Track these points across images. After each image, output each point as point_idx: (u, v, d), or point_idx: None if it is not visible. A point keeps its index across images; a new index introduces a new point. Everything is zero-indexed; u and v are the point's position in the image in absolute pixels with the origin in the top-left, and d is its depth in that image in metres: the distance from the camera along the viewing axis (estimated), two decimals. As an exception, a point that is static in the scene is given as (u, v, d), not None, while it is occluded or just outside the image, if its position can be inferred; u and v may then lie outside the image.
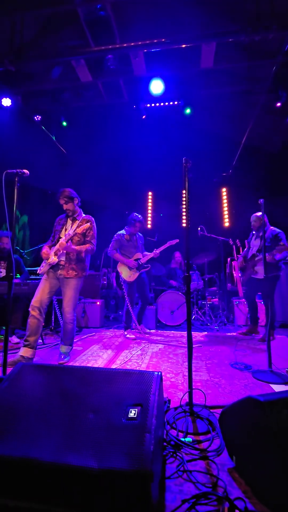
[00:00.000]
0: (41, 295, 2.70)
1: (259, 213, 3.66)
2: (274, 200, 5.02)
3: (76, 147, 6.07)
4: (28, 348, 2.60)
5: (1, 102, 4.29)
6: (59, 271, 2.77)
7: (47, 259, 2.78)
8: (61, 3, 3.12)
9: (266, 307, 3.73)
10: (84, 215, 2.99)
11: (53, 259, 2.75)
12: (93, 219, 2.98)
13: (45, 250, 2.83)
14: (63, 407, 1.14)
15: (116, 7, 3.18)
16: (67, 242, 2.72)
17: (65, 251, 2.76)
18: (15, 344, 3.46)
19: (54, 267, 2.79)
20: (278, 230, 3.53)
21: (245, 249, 3.97)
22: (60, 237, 2.87)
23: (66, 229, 2.90)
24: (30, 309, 2.65)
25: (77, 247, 2.77)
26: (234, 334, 4.02)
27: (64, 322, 2.79)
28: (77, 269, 2.79)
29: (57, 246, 2.76)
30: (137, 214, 3.91)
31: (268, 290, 3.44)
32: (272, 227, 3.60)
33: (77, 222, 2.89)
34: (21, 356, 2.57)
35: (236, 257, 4.09)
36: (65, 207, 2.89)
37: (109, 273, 6.05)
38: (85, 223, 2.84)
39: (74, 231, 2.79)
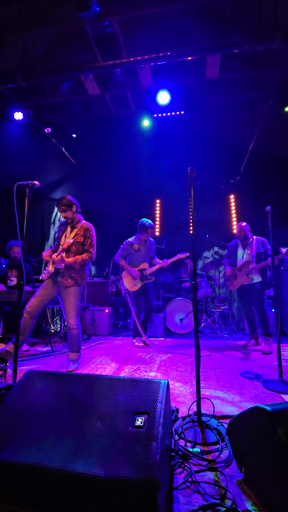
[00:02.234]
0: (34, 300, 2.75)
1: (244, 223, 3.83)
2: (282, 207, 4.99)
3: (84, 158, 6.21)
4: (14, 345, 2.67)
5: (13, 116, 4.46)
6: (59, 277, 2.81)
7: (48, 262, 2.85)
8: (70, 22, 3.25)
9: (259, 314, 3.71)
10: (83, 221, 2.99)
11: (51, 269, 2.81)
12: (91, 226, 2.98)
13: (45, 252, 2.87)
14: (71, 415, 1.15)
15: (122, 23, 3.28)
16: (57, 256, 2.74)
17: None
18: (25, 351, 3.50)
19: (54, 273, 2.83)
20: (262, 238, 3.77)
21: (225, 259, 4.06)
22: (60, 244, 2.91)
23: (66, 236, 2.94)
24: (23, 311, 2.69)
25: (71, 259, 2.77)
26: (244, 342, 3.95)
27: (68, 329, 2.82)
28: (76, 277, 2.81)
29: (51, 260, 2.81)
30: (147, 220, 3.89)
31: (261, 296, 3.61)
32: (256, 236, 3.81)
33: (76, 230, 2.91)
34: (7, 351, 2.64)
35: None
36: (63, 215, 2.90)
37: (117, 281, 6.08)
38: (83, 231, 2.89)
39: (71, 239, 2.83)
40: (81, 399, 1.23)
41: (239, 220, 6.55)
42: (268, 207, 2.66)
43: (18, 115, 4.46)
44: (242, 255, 3.79)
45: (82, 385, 1.31)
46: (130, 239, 3.92)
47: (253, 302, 3.75)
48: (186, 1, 3.08)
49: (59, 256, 2.74)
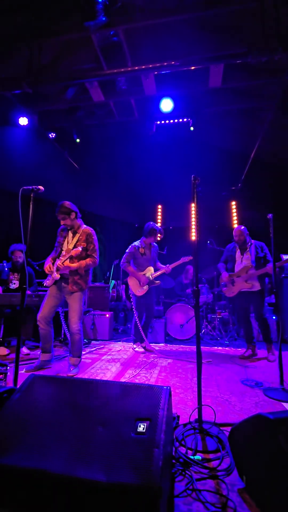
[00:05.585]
0: (46, 310, 2.84)
1: (242, 227, 3.76)
2: (283, 213, 5.01)
3: (87, 163, 6.27)
4: (46, 353, 2.90)
5: (18, 121, 4.51)
6: (63, 283, 2.85)
7: (51, 274, 2.87)
8: (76, 30, 3.32)
9: (260, 321, 3.57)
10: (84, 226, 3.00)
11: (56, 275, 2.83)
12: (93, 231, 2.99)
13: (47, 265, 2.87)
14: (72, 420, 1.15)
15: (128, 33, 3.34)
16: (63, 263, 2.76)
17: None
18: (25, 355, 3.49)
19: (58, 279, 2.85)
20: (260, 242, 3.68)
21: (221, 263, 3.93)
22: (62, 250, 2.93)
23: (68, 242, 2.95)
24: (38, 323, 2.83)
25: (75, 265, 2.80)
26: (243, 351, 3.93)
27: (70, 333, 2.84)
28: (80, 282, 2.84)
29: (55, 267, 2.83)
30: (155, 223, 3.86)
31: (261, 302, 3.53)
32: (254, 240, 3.74)
33: (78, 235, 2.92)
34: (42, 360, 2.90)
35: None
36: (62, 222, 2.91)
37: (118, 285, 6.09)
38: (85, 236, 2.90)
39: (74, 245, 2.86)
40: (82, 404, 1.23)
41: (240, 227, 6.58)
42: (270, 215, 2.67)
43: (23, 120, 4.52)
44: (241, 259, 3.69)
45: (84, 390, 1.31)
46: (136, 243, 3.87)
47: (253, 309, 3.64)
48: (189, 12, 3.14)
49: (64, 263, 2.77)
